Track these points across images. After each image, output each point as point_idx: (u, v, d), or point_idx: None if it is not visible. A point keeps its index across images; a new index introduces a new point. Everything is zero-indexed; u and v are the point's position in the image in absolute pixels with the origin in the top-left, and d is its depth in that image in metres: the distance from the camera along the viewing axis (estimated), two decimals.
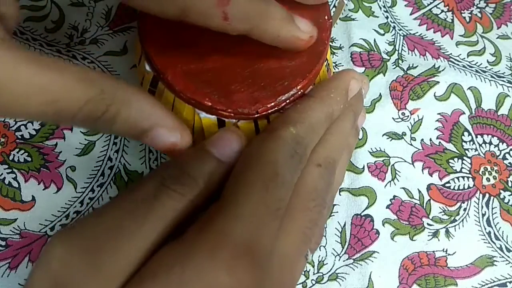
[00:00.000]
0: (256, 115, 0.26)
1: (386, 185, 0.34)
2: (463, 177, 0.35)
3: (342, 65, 0.38)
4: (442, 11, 0.41)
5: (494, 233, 0.33)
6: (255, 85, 0.25)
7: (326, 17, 0.28)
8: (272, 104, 0.25)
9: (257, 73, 0.26)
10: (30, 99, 0.18)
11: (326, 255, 0.32)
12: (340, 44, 0.38)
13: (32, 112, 0.19)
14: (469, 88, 0.38)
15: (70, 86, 0.19)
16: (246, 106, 0.25)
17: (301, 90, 0.26)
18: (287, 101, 0.26)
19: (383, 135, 0.35)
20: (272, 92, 0.25)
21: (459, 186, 0.34)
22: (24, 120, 0.34)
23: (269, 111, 0.26)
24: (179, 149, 0.23)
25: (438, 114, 0.37)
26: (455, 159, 0.35)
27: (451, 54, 0.39)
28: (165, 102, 0.27)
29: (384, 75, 0.38)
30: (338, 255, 0.32)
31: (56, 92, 0.19)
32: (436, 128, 0.36)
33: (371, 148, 0.35)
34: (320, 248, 0.32)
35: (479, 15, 0.41)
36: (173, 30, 0.26)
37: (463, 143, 0.36)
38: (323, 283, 0.31)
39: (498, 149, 0.36)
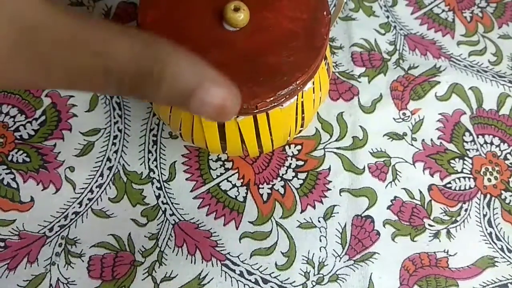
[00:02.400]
0: (255, 110, 0.26)
1: (387, 185, 0.34)
2: (464, 178, 0.34)
3: (343, 65, 0.37)
4: (443, 10, 0.41)
5: (496, 234, 0.33)
6: (254, 81, 0.25)
7: (325, 13, 0.28)
8: (272, 98, 0.25)
9: (256, 68, 0.26)
10: (77, 49, 0.17)
11: (327, 256, 0.31)
12: (341, 44, 0.38)
13: (84, 64, 0.18)
14: (470, 88, 0.37)
15: (112, 38, 0.18)
16: (246, 101, 0.25)
17: (300, 86, 0.26)
18: (287, 96, 0.26)
19: (383, 135, 0.35)
20: (271, 87, 0.25)
21: (460, 187, 0.34)
22: (28, 119, 0.34)
23: (268, 106, 0.25)
24: (230, 111, 0.20)
25: (439, 114, 0.36)
26: (456, 160, 0.35)
27: (452, 53, 0.39)
28: None
29: (385, 75, 0.37)
30: (339, 256, 0.32)
31: (100, 43, 0.18)
32: (437, 128, 0.36)
33: (372, 149, 0.35)
34: (320, 249, 0.32)
35: (480, 14, 0.41)
36: (171, 28, 0.26)
37: (464, 143, 0.36)
38: (324, 284, 0.31)
39: (499, 150, 0.36)
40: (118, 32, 0.18)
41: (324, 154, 0.34)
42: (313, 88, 0.28)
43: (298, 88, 0.26)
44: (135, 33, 0.19)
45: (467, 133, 0.36)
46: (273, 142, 0.29)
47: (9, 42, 0.17)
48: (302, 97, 0.27)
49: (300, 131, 0.31)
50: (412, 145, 0.35)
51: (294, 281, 0.31)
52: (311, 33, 0.27)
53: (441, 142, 0.35)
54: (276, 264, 0.31)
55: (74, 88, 0.19)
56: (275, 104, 0.26)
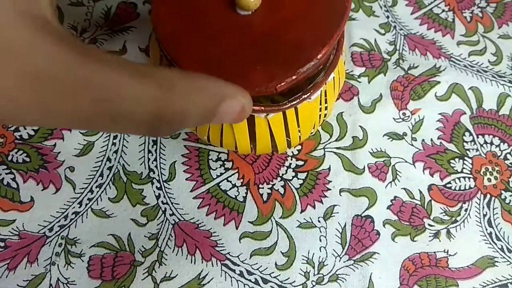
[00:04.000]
0: (285, 106, 0.26)
1: (386, 185, 0.34)
2: (464, 178, 0.34)
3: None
4: (443, 10, 0.41)
5: (495, 234, 0.33)
6: (273, 62, 0.24)
7: None
8: (292, 78, 0.24)
9: (275, 48, 0.25)
10: (76, 94, 0.16)
11: (327, 256, 0.31)
12: None
13: (81, 109, 0.16)
14: (470, 88, 0.37)
15: (121, 83, 0.17)
16: (263, 84, 0.24)
17: (322, 59, 0.25)
18: (307, 73, 0.24)
19: (383, 135, 0.35)
20: (291, 66, 0.24)
21: (460, 187, 0.34)
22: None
23: (289, 86, 0.24)
24: (247, 114, 0.21)
25: (439, 114, 0.36)
26: (456, 160, 0.35)
27: (452, 53, 0.39)
28: None
29: (385, 75, 0.37)
30: (339, 256, 0.32)
31: (105, 90, 0.16)
32: (437, 128, 0.36)
33: (372, 149, 0.35)
34: (320, 249, 0.32)
35: (480, 14, 0.41)
36: (184, 19, 0.26)
37: (464, 143, 0.36)
38: (324, 284, 0.31)
39: (499, 149, 0.36)
40: (130, 75, 0.17)
41: (324, 154, 0.34)
42: (334, 77, 0.28)
43: (319, 62, 0.25)
44: (148, 73, 0.18)
45: (467, 133, 0.36)
46: (300, 136, 0.29)
47: (14, 86, 0.15)
48: (325, 85, 0.27)
49: (324, 121, 0.31)
50: (412, 145, 0.35)
51: (294, 281, 0.31)
52: (332, 2, 0.26)
53: (441, 142, 0.35)
54: (276, 264, 0.31)
55: (83, 130, 0.19)
56: (304, 97, 0.26)
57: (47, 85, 0.16)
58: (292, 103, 0.26)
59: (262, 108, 0.25)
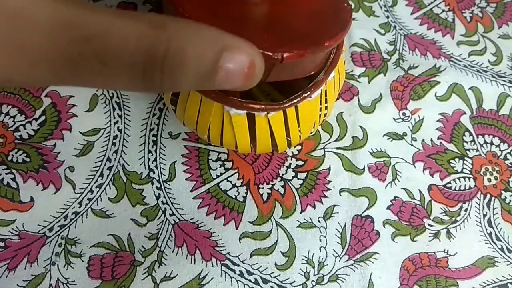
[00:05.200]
0: (285, 105, 0.26)
1: (386, 185, 0.34)
2: (464, 178, 0.34)
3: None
4: (443, 10, 0.41)
5: (495, 234, 0.33)
6: (283, 34, 0.24)
7: (345, 4, 0.27)
8: (300, 52, 0.23)
9: (284, 30, 0.24)
10: (58, 34, 0.15)
11: (327, 256, 0.31)
12: None
13: (66, 51, 0.15)
14: (470, 88, 0.37)
15: (106, 21, 0.15)
16: (271, 49, 0.22)
17: (330, 47, 0.25)
18: (314, 56, 0.24)
19: (383, 135, 0.35)
20: (300, 41, 0.24)
21: (460, 187, 0.34)
22: (28, 119, 0.34)
23: (296, 60, 0.23)
24: (258, 72, 0.18)
25: (439, 114, 0.36)
26: (456, 160, 0.35)
27: (452, 53, 0.39)
28: (192, 100, 0.27)
29: (385, 75, 0.37)
30: (339, 256, 0.32)
31: (89, 27, 0.15)
32: (437, 128, 0.36)
33: (372, 149, 0.35)
34: (320, 249, 0.32)
35: (480, 14, 0.41)
36: (189, 2, 0.25)
37: (464, 143, 0.36)
38: (323, 284, 0.31)
39: (499, 150, 0.36)
40: (117, 16, 0.16)
41: (324, 154, 0.34)
42: (334, 76, 0.28)
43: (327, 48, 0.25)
44: (137, 15, 0.16)
45: (467, 133, 0.36)
46: (300, 135, 0.29)
47: None
48: (325, 85, 0.28)
49: (324, 120, 0.31)
50: (412, 145, 0.35)
51: (294, 281, 0.31)
52: (335, 13, 0.26)
53: (441, 142, 0.35)
54: (276, 264, 0.31)
55: (71, 83, 0.17)
56: (305, 96, 0.26)
57: (26, 27, 0.15)
58: (292, 102, 0.26)
59: (263, 106, 0.26)
